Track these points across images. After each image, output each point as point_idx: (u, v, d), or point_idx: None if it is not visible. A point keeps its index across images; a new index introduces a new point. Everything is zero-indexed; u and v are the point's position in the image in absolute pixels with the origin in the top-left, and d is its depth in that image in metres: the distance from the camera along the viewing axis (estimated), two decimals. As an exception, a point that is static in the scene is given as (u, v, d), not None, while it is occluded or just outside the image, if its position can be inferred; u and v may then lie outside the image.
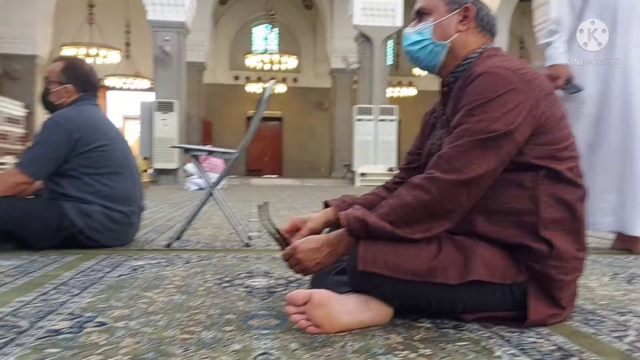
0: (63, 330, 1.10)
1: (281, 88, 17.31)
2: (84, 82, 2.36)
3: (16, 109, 11.93)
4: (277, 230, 1.31)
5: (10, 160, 10.28)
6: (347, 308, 1.12)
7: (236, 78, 18.48)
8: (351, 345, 1.03)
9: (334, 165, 14.85)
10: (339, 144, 14.38)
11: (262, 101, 2.56)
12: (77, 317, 1.20)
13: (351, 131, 11.80)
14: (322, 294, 1.12)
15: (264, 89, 2.64)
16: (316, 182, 12.49)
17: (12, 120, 11.81)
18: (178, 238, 2.45)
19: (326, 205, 1.40)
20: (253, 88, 17.29)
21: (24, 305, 1.29)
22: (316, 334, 1.08)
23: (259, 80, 17.58)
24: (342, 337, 1.07)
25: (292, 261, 1.21)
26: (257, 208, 1.37)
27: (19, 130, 11.82)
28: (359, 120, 11.47)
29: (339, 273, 1.26)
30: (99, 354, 0.97)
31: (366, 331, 1.11)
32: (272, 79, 3.14)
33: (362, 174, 11.15)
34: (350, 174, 11.86)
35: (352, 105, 12.29)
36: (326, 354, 0.98)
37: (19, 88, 12.20)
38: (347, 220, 1.16)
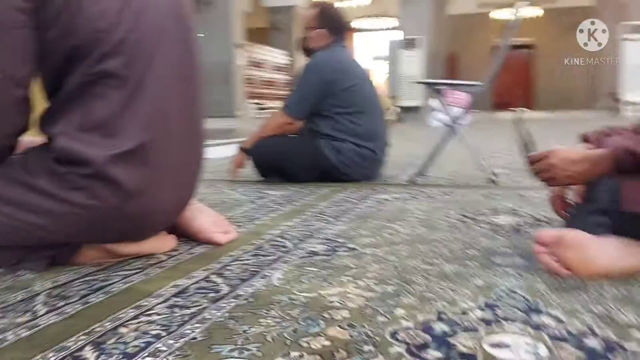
0: (319, 252, 1.24)
1: (534, 11, 15.73)
2: (336, 26, 2.51)
3: (281, 57, 13.36)
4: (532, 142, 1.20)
5: (277, 104, 11.65)
6: (606, 252, 1.00)
7: (482, 5, 17.39)
8: (610, 292, 0.93)
9: (596, 94, 13.11)
10: (602, 70, 12.58)
11: (510, 28, 2.37)
12: (331, 242, 1.33)
13: (618, 54, 10.18)
14: (575, 234, 1.03)
15: (514, 13, 2.44)
16: (573, 114, 11.25)
17: (278, 68, 13.29)
18: (421, 174, 2.49)
19: (584, 139, 1.24)
20: (501, 15, 16.09)
21: (289, 229, 1.49)
22: (567, 277, 1.00)
23: (507, 5, 16.25)
24: (598, 282, 0.97)
25: (543, 165, 1.11)
26: (513, 122, 1.29)
27: (284, 77, 13.26)
28: (629, 39, 9.80)
29: (597, 214, 1.13)
30: (349, 275, 1.06)
31: (629, 278, 0.98)
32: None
33: (633, 103, 9.62)
34: (617, 104, 10.35)
35: (619, 23, 10.54)
36: (579, 299, 0.90)
37: (283, 38, 13.60)
38: (615, 150, 1.01)
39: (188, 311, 0.88)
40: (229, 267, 1.12)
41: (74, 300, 0.93)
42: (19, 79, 1.00)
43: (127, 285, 1.02)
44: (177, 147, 1.15)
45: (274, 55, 13.19)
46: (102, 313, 0.87)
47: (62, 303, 0.92)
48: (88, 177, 1.02)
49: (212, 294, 0.96)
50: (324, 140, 2.37)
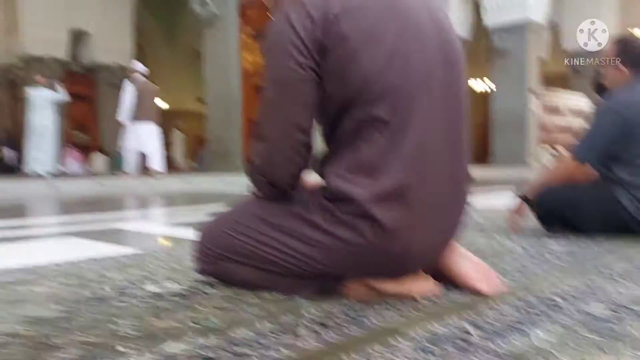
0: (599, 316, 1.06)
1: None
2: (638, 60, 2.19)
3: (581, 102, 12.25)
4: None
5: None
6: None
7: None
8: None
9: None
10: None
11: None
12: (617, 306, 1.12)
13: None
14: None
15: None
16: None
17: (577, 113, 12.20)
18: None
19: None
20: None
21: (566, 286, 1.31)
22: None
23: None
24: None
25: None
26: None
27: (583, 123, 12.12)
28: None
29: None
30: (633, 345, 0.87)
31: None
32: None
33: None
34: None
35: None
36: None
37: (584, 83, 12.49)
38: None
39: (435, 358, 0.84)
40: (487, 319, 1.05)
41: (331, 328, 0.99)
42: (303, 126, 1.15)
43: (382, 322, 1.03)
44: (438, 189, 1.15)
45: (573, 101, 12.20)
46: (352, 344, 0.90)
47: (320, 329, 0.99)
48: (352, 214, 1.10)
49: (464, 344, 0.90)
50: (622, 189, 2.05)
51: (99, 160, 14.47)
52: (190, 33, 23.97)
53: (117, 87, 16.15)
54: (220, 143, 11.83)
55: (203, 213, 3.14)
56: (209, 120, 12.22)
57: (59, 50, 14.88)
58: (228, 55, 11.39)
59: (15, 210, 4.55)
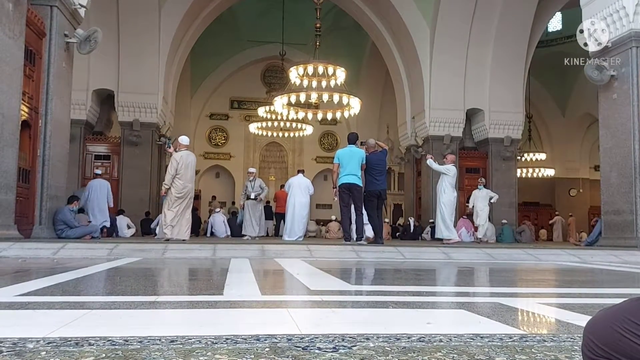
0: None
1: None
2: None
3: None
4: None
5: None
6: None
7: None
8: None
9: None
10: None
11: None
12: None
13: None
14: None
15: None
16: None
17: None
18: None
19: None
20: None
21: None
22: None
23: None
24: None
25: None
26: None
27: None
28: None
29: None
30: None
31: None
32: None
33: None
34: None
35: None
36: None
37: None
38: None
39: None
40: None
41: None
42: None
43: None
44: None
45: None
46: None
47: None
48: None
49: None
50: None
51: (489, 229, 15.00)
52: (584, 98, 22.86)
53: (506, 159, 16.67)
54: (618, 215, 10.66)
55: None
56: (604, 190, 11.22)
57: (456, 129, 16.43)
58: (628, 119, 10.33)
59: (415, 276, 5.17)
